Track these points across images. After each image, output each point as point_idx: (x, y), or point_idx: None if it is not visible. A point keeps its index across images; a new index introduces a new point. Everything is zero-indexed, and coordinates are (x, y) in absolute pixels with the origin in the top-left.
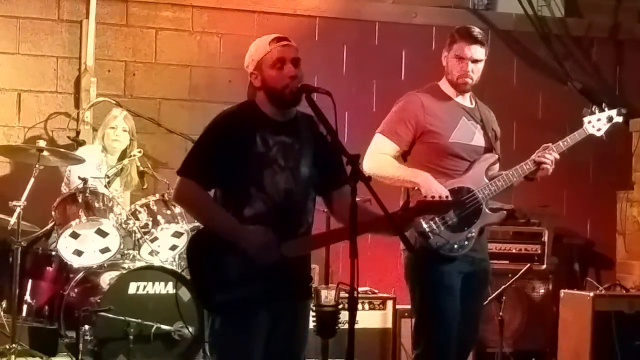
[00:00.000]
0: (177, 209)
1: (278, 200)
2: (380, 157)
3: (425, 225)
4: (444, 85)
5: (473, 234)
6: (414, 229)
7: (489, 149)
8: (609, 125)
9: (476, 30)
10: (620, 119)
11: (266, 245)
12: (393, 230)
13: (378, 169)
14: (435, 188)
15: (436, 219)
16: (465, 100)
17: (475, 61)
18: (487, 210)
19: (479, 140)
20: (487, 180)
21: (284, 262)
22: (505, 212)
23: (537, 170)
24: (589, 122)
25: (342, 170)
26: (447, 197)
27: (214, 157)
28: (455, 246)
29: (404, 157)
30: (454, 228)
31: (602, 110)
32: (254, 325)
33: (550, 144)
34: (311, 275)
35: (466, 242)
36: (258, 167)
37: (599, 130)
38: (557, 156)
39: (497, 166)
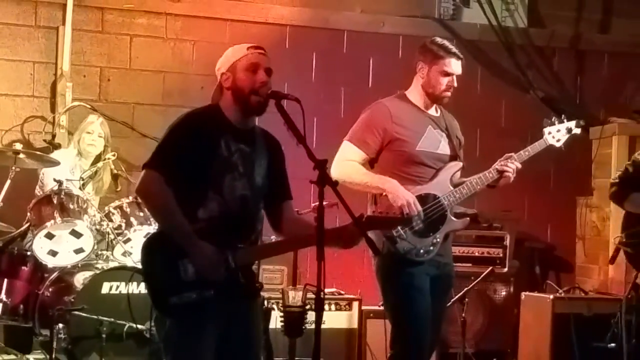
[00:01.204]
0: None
1: (233, 206)
2: (348, 164)
3: (393, 231)
4: (413, 95)
5: (438, 239)
6: (381, 234)
7: (453, 157)
8: (567, 136)
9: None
10: (578, 131)
11: (214, 264)
12: (341, 243)
13: (346, 176)
14: (402, 194)
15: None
16: (431, 109)
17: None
18: (451, 217)
19: (444, 148)
20: (452, 188)
21: (235, 268)
22: (468, 218)
23: (500, 179)
24: (549, 132)
25: (288, 187)
26: (414, 202)
27: (180, 153)
28: (422, 251)
29: (371, 164)
30: (420, 233)
31: (561, 121)
32: (204, 328)
33: (512, 154)
34: (256, 275)
35: (432, 248)
36: (220, 171)
37: (558, 140)
38: (519, 165)
39: (459, 173)
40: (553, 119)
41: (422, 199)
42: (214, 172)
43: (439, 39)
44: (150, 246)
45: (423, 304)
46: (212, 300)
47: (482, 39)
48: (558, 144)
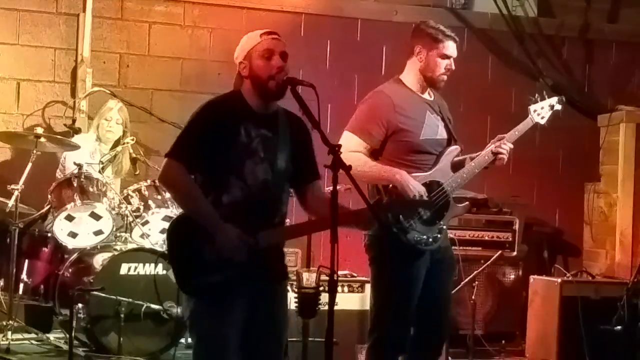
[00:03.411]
0: (167, 194)
1: (255, 190)
2: (353, 155)
3: (404, 221)
4: (408, 79)
5: (443, 226)
6: (392, 226)
7: (450, 139)
8: (551, 112)
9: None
10: (559, 107)
11: (238, 245)
12: (361, 225)
13: (353, 168)
14: (413, 185)
15: (412, 214)
16: (426, 93)
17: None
18: (454, 202)
19: (442, 133)
20: (452, 173)
21: (260, 249)
22: (468, 202)
23: (495, 160)
24: (534, 110)
25: (315, 167)
26: (423, 194)
27: (201, 142)
28: (430, 240)
29: (374, 154)
30: (427, 222)
31: (543, 98)
32: (229, 309)
33: (504, 135)
34: (284, 256)
35: (438, 235)
36: (240, 157)
37: (542, 118)
38: (512, 146)
39: (458, 157)
40: (536, 97)
41: (427, 186)
42: (234, 158)
43: (432, 22)
44: (176, 229)
45: (414, 298)
46: (236, 282)
47: (493, 28)
48: (543, 121)
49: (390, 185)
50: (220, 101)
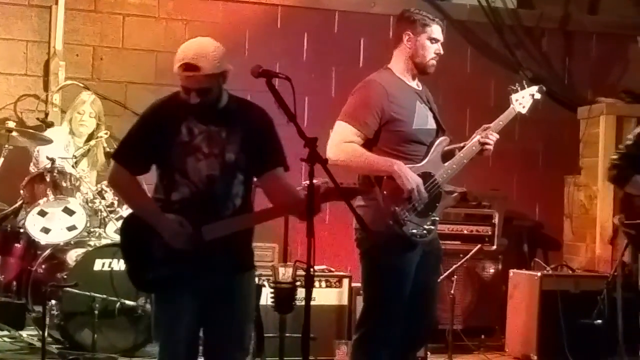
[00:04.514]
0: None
1: (201, 186)
2: (349, 146)
3: (400, 213)
4: (397, 69)
5: (436, 217)
6: (388, 217)
7: (437, 129)
8: (532, 101)
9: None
10: (540, 96)
11: (179, 233)
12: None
13: (348, 158)
14: (411, 178)
15: (407, 206)
16: (415, 83)
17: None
18: (445, 194)
19: (431, 122)
20: (443, 164)
21: (207, 243)
22: (458, 193)
23: (482, 151)
24: (516, 100)
25: (275, 154)
26: (420, 186)
27: (142, 145)
28: (425, 231)
29: (367, 144)
30: (421, 214)
31: (523, 87)
32: (180, 302)
33: (489, 125)
34: (247, 247)
35: (432, 227)
36: (181, 155)
37: (524, 107)
38: (498, 136)
39: (447, 148)
40: (517, 86)
41: (421, 178)
42: (175, 157)
43: (416, 9)
44: (126, 227)
45: (406, 292)
46: (187, 275)
47: (472, 20)
48: (524, 110)
49: (385, 177)
50: (163, 102)
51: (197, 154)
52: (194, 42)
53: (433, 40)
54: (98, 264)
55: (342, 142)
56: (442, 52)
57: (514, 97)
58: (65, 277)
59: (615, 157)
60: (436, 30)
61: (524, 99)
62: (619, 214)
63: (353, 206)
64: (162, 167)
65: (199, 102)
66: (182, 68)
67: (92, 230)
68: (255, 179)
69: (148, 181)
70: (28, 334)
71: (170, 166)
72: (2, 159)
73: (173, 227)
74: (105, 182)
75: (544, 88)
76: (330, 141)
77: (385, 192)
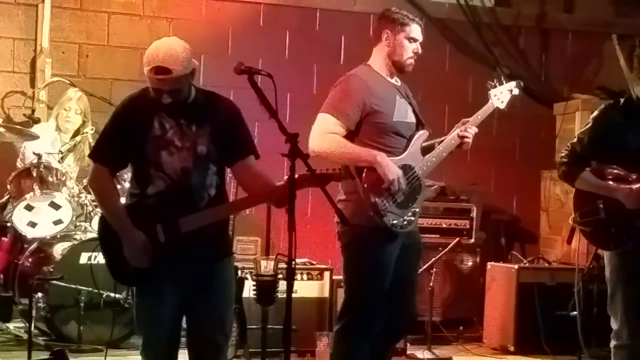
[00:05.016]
0: (127, 184)
1: (176, 179)
2: (330, 137)
3: (380, 204)
4: (377, 65)
5: (416, 209)
6: (369, 208)
7: (417, 123)
8: (509, 97)
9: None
10: (517, 91)
11: (140, 253)
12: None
13: (330, 149)
14: (392, 169)
15: (387, 197)
16: (394, 79)
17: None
18: (425, 186)
19: (411, 116)
20: (422, 157)
21: (184, 235)
22: (438, 186)
23: (461, 145)
24: (495, 95)
25: (245, 144)
26: (402, 177)
27: (117, 141)
28: (405, 222)
29: (350, 136)
30: (401, 205)
31: (502, 83)
32: (162, 293)
33: (468, 119)
34: (223, 235)
35: (412, 218)
36: (155, 149)
37: (502, 102)
38: (476, 130)
39: (426, 141)
40: (495, 82)
41: (401, 170)
42: (149, 151)
43: (396, 8)
44: (105, 222)
45: (386, 284)
46: (167, 267)
47: (450, 18)
48: (502, 106)
49: (366, 169)
50: (134, 97)
51: (170, 147)
52: (162, 44)
53: (411, 39)
54: (84, 257)
55: (325, 133)
56: (420, 51)
57: (492, 92)
58: (51, 270)
59: (563, 154)
60: (415, 29)
61: (502, 94)
62: (573, 213)
63: (332, 198)
64: (137, 162)
65: (171, 102)
66: (153, 71)
67: (77, 224)
68: (227, 169)
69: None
70: (15, 326)
71: (145, 160)
72: None
73: (136, 246)
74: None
75: (522, 84)
76: (312, 132)
77: (365, 185)
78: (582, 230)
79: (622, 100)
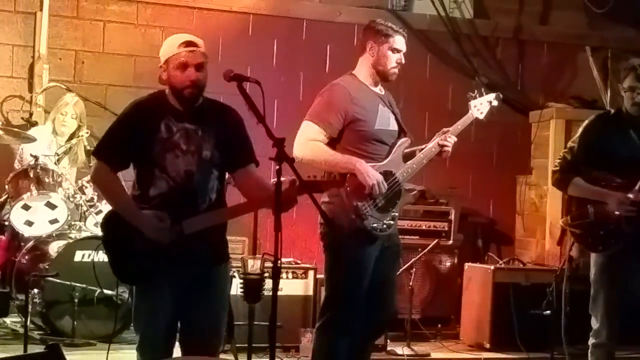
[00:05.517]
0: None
1: (179, 181)
2: (314, 144)
3: (362, 208)
4: (362, 75)
5: (396, 213)
6: (351, 211)
7: (399, 131)
8: (488, 108)
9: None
10: (497, 103)
11: (160, 228)
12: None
13: (313, 156)
14: (372, 174)
15: (369, 201)
16: (377, 88)
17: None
18: (405, 191)
19: (393, 124)
20: (404, 164)
21: (186, 236)
22: (417, 191)
23: (441, 153)
24: (475, 106)
25: (246, 152)
26: (382, 182)
27: (122, 141)
28: (384, 226)
29: (332, 143)
30: (382, 209)
31: (482, 94)
32: (161, 293)
33: (448, 128)
34: (222, 239)
35: (392, 222)
36: (161, 151)
37: (481, 113)
38: (456, 139)
39: (408, 149)
40: (475, 93)
41: (382, 175)
42: (155, 153)
43: (381, 20)
44: (109, 221)
45: (365, 283)
46: (167, 267)
47: (431, 29)
48: (481, 116)
49: (348, 174)
50: (143, 101)
51: (176, 150)
52: (180, 34)
53: (395, 50)
54: (78, 255)
55: (308, 140)
56: (403, 61)
57: (472, 103)
58: (47, 267)
59: (555, 164)
60: (399, 41)
61: (482, 105)
62: (564, 216)
63: (318, 202)
64: (142, 163)
65: (194, 81)
66: (184, 45)
67: (73, 223)
68: (228, 175)
69: (126, 178)
70: (12, 320)
71: (150, 162)
72: None
73: (153, 222)
74: (86, 178)
75: (501, 96)
76: (296, 139)
77: (348, 189)
78: (572, 232)
79: (612, 111)
